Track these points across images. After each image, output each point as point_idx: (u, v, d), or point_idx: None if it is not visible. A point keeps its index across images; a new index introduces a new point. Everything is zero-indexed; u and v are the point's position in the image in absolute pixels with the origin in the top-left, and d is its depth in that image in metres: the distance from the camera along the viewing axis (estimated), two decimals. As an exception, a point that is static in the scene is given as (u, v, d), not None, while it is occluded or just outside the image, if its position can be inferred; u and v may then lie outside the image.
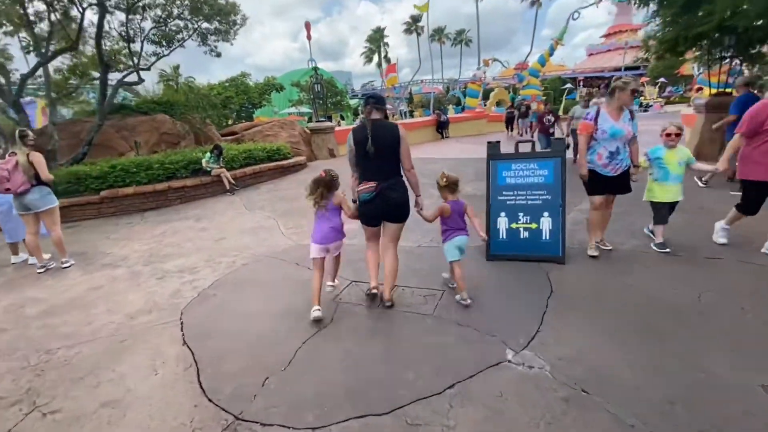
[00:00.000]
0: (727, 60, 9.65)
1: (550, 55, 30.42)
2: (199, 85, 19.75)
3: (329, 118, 24.45)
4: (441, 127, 18.67)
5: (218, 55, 10.64)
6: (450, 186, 2.95)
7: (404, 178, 2.85)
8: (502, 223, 3.67)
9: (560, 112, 34.51)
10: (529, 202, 3.60)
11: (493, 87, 31.41)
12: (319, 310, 2.79)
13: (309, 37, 13.41)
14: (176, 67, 30.54)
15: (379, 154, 2.69)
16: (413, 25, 50.62)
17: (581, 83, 46.51)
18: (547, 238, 3.55)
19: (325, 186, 2.89)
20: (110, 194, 7.53)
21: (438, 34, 50.76)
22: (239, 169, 9.45)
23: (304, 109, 32.56)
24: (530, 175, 3.58)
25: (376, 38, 52.85)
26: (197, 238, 5.40)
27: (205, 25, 10.40)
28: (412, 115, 37.13)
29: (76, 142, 9.85)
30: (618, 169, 3.41)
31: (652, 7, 9.66)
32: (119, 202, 7.69)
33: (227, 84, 24.49)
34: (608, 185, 3.49)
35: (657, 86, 41.19)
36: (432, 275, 3.45)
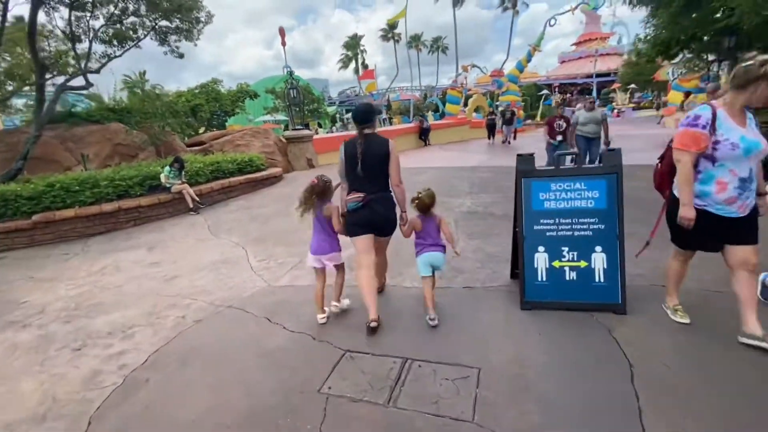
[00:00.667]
0: (718, 63, 9.31)
1: (528, 61, 30.46)
2: (167, 92, 18.44)
3: (306, 126, 23.43)
4: (423, 134, 17.99)
5: (180, 56, 9.50)
6: (420, 208, 2.78)
7: (392, 192, 2.83)
8: (541, 260, 2.80)
9: (538, 118, 34.76)
10: (576, 233, 2.75)
11: (472, 93, 31.14)
12: (324, 318, 2.87)
13: (284, 44, 12.56)
14: (142, 73, 28.90)
15: (369, 167, 2.70)
16: (390, 32, 50.23)
17: (556, 89, 47.26)
18: (601, 280, 2.70)
19: (320, 193, 2.81)
20: (44, 218, 6.29)
21: (415, 41, 50.54)
22: (205, 183, 8.33)
23: (280, 116, 31.41)
24: (576, 197, 2.74)
25: (353, 45, 52.22)
26: (144, 277, 4.30)
27: (164, 23, 9.26)
28: (390, 122, 36.44)
29: (14, 156, 8.50)
30: (747, 205, 2.15)
31: (648, 7, 9.27)
32: (57, 227, 6.45)
33: (197, 91, 23.20)
34: (729, 231, 2.20)
35: (628, 92, 42.23)
36: (459, 340, 2.52)
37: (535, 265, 2.82)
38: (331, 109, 43.81)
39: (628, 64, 37.95)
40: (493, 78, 34.25)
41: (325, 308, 2.91)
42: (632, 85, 40.10)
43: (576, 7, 27.74)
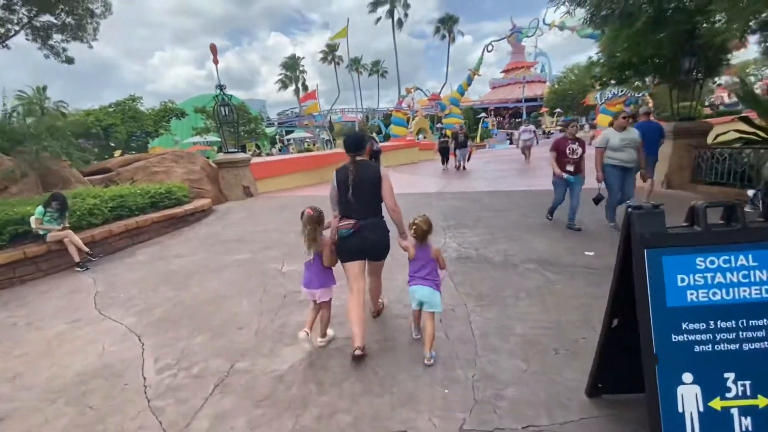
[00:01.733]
0: (678, 86, 9.27)
1: (468, 84, 31.30)
2: (76, 110, 15.64)
3: (243, 148, 21.28)
4: (374, 157, 16.81)
5: (69, 61, 7.36)
6: (417, 234, 2.60)
7: (385, 218, 2.84)
8: (690, 398, 1.54)
9: (477, 140, 35.70)
10: (748, 345, 1.53)
11: (417, 116, 31.12)
12: (307, 333, 2.64)
13: (216, 61, 11.05)
14: (41, 89, 25.01)
15: (360, 193, 2.71)
16: (330, 54, 49.61)
17: (492, 113, 49.57)
18: (798, 430, 1.49)
19: (316, 223, 2.69)
20: None
21: (355, 63, 50.29)
22: (102, 226, 6.27)
23: (213, 137, 28.78)
24: (743, 282, 1.53)
25: (291, 65, 50.71)
26: (-62, 423, 2.38)
27: (46, 17, 7.13)
28: (334, 144, 35.15)
29: None
30: None
31: (606, 29, 9.04)
32: None
33: (111, 109, 20.30)
34: None
35: (555, 115, 45.35)
36: None
37: (680, 408, 1.54)
38: (270, 130, 41.56)
39: (552, 90, 41.08)
40: (432, 101, 34.73)
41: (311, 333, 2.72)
42: (558, 110, 43.21)
43: (511, 35, 29.23)
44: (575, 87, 37.56)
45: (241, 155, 10.35)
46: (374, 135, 27.09)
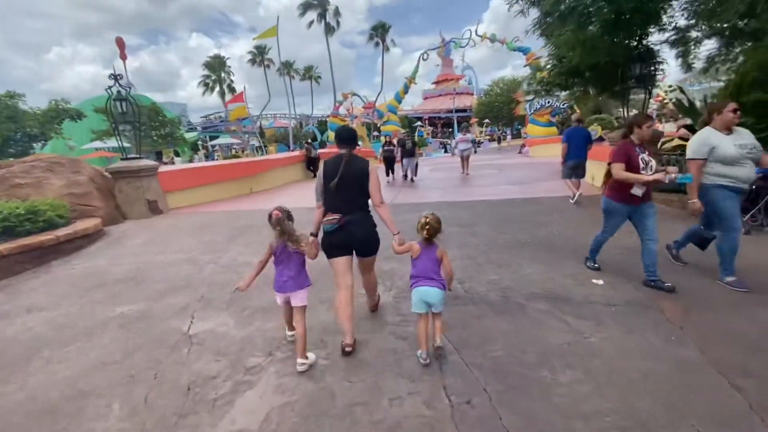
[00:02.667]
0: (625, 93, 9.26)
1: (405, 92, 31.13)
2: None
3: (159, 155, 18.43)
4: (311, 164, 15.45)
5: None
6: (430, 234, 2.47)
7: (371, 213, 2.77)
8: None
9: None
10: None
11: (353, 122, 30.12)
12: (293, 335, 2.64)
13: (123, 57, 9.41)
14: None
15: (347, 186, 2.65)
16: (259, 57, 46.76)
17: (426, 122, 50.50)
18: None
19: (287, 220, 2.51)
20: None
21: (287, 67, 47.97)
22: None
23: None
24: None
25: (215, 66, 46.85)
26: None
27: None
28: (266, 151, 32.73)
29: None
30: None
31: (553, 34, 8.74)
32: None
33: (-19, 107, 16.51)
34: None
35: (484, 125, 47.36)
36: None
37: None
38: (191, 135, 37.69)
39: (480, 102, 42.99)
40: (368, 110, 34.02)
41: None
42: (486, 120, 45.15)
43: (446, 45, 29.62)
44: (501, 99, 39.51)
45: (145, 162, 8.27)
46: (311, 141, 25.44)
